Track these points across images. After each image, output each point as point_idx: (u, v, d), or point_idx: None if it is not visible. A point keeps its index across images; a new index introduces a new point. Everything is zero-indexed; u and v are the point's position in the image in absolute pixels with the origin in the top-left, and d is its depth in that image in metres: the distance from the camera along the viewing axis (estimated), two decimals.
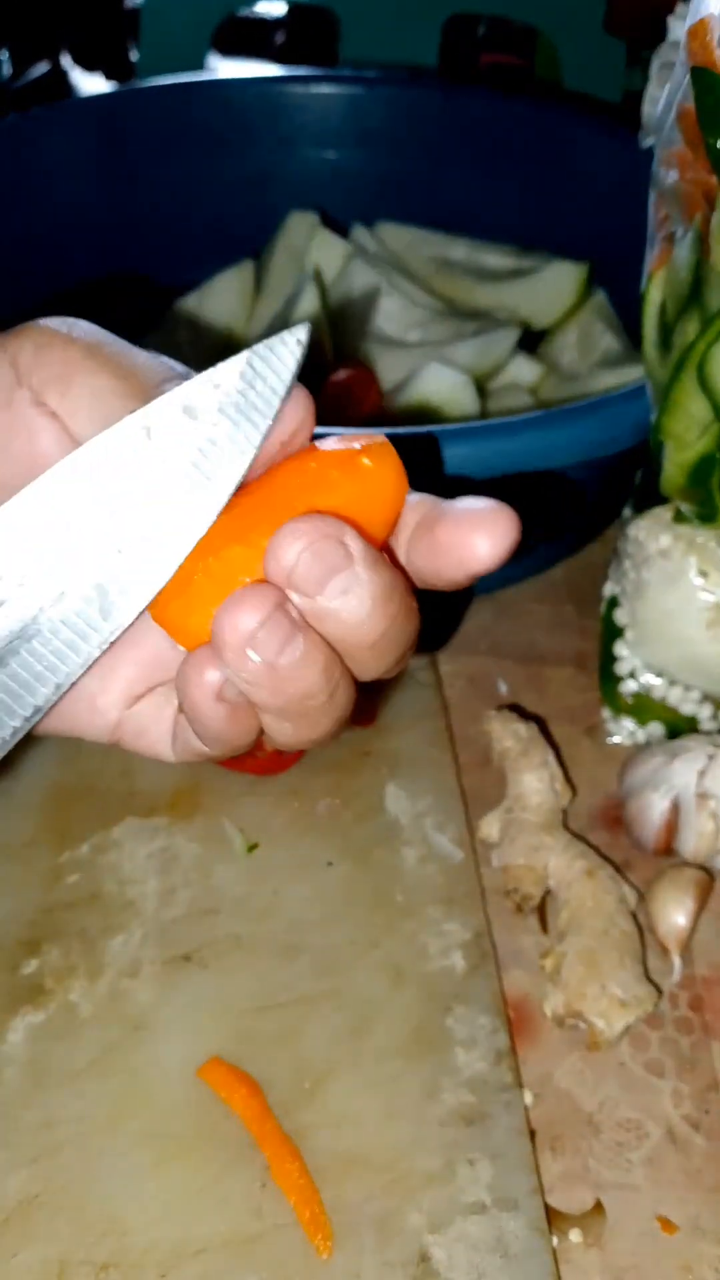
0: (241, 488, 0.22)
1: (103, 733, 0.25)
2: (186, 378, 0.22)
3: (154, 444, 0.21)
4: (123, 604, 0.22)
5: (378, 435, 0.22)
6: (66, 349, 0.23)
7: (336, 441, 0.22)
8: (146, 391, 0.22)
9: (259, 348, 0.22)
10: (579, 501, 0.42)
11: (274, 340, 0.22)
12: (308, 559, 0.20)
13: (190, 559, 0.21)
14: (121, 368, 0.22)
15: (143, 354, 0.23)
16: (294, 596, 0.21)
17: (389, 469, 0.22)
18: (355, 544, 0.21)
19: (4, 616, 0.21)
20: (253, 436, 0.21)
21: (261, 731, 0.23)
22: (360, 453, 0.22)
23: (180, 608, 0.22)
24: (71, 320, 0.24)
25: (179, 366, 0.24)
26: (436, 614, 0.44)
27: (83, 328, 0.23)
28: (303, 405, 0.22)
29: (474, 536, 0.21)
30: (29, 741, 0.23)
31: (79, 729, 0.25)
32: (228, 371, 0.21)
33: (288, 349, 0.21)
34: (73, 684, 0.22)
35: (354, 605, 0.21)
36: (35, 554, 0.21)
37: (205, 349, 0.55)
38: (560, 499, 0.40)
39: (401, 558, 0.23)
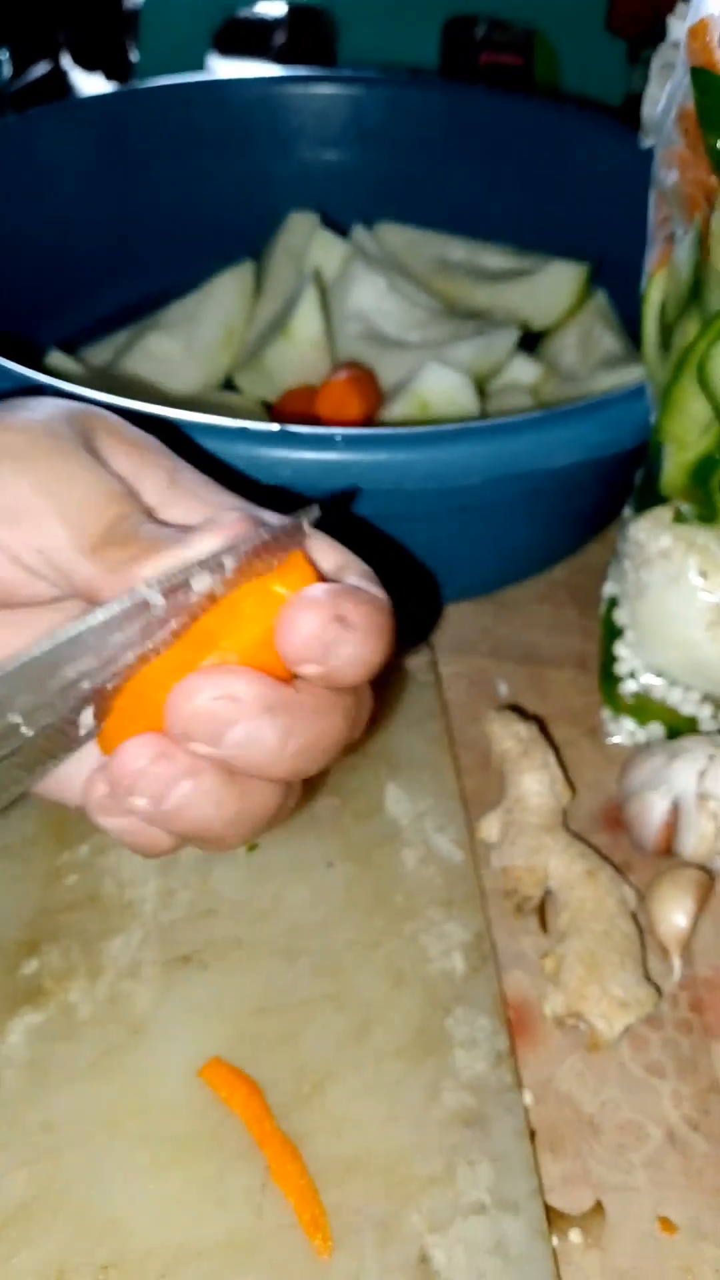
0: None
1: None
2: (140, 517, 0.22)
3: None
4: None
5: (298, 532, 0.23)
6: (14, 486, 0.22)
7: (257, 550, 0.22)
8: (89, 538, 0.22)
9: (268, 538, 0.22)
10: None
11: (283, 526, 0.22)
12: (202, 717, 0.21)
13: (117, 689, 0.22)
14: (66, 510, 0.22)
15: (96, 485, 0.23)
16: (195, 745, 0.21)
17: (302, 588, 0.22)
18: (251, 693, 0.21)
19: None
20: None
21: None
22: (274, 578, 0.22)
23: (103, 733, 0.23)
24: (26, 444, 0.23)
25: (147, 492, 0.24)
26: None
27: (39, 456, 0.23)
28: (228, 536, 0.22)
29: (295, 618, 0.22)
30: None
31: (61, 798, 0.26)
32: (230, 557, 0.22)
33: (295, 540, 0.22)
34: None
35: (256, 750, 0.21)
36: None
37: (204, 350, 0.55)
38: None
39: None
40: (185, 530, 0.23)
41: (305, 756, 0.22)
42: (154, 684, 0.22)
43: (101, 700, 0.22)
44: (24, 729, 0.21)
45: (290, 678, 0.23)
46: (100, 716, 0.22)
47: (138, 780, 0.21)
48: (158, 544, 0.22)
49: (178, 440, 0.33)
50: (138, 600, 0.21)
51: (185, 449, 0.29)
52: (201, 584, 0.22)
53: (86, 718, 0.22)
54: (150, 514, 0.24)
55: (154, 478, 0.24)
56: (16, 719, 0.21)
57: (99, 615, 0.21)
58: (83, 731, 0.22)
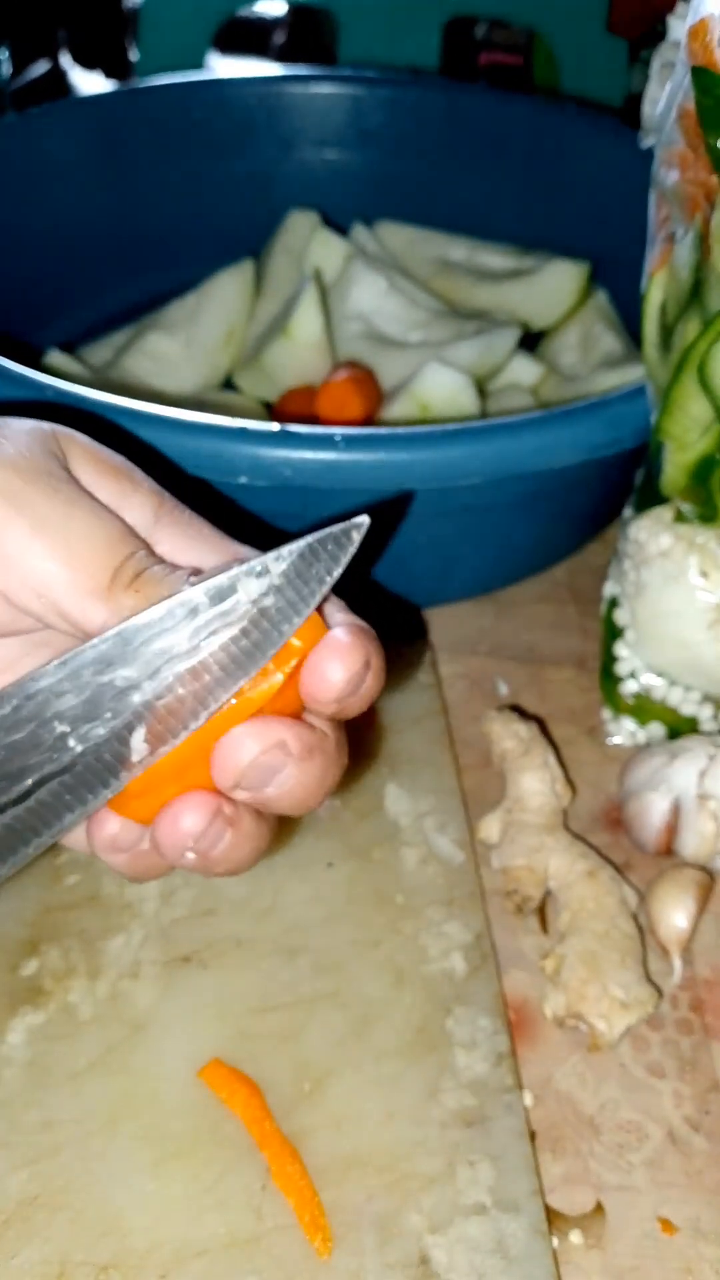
0: None
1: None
2: (144, 555, 0.22)
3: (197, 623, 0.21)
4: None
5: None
6: (7, 530, 0.21)
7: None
8: (97, 583, 0.21)
9: (313, 542, 0.22)
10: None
11: (329, 534, 0.22)
12: (255, 769, 0.22)
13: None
14: (69, 553, 0.21)
15: (93, 521, 0.22)
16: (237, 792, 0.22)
17: (316, 637, 0.22)
18: (297, 742, 0.22)
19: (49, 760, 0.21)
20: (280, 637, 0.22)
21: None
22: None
23: (140, 802, 0.23)
24: (15, 480, 0.22)
25: (136, 523, 0.23)
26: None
27: (29, 493, 0.22)
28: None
29: (327, 666, 0.22)
30: None
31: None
32: (277, 561, 0.21)
33: (342, 548, 0.22)
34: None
35: (299, 792, 0.23)
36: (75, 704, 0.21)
37: (204, 349, 0.55)
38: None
39: None
40: (191, 573, 0.22)
41: (329, 789, 0.23)
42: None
43: (155, 722, 0.21)
44: (72, 741, 0.21)
45: (298, 714, 0.23)
46: (153, 744, 0.21)
47: (193, 840, 0.22)
48: (168, 590, 0.22)
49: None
50: (183, 603, 0.21)
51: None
52: (250, 590, 0.21)
53: (138, 740, 0.21)
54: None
55: (139, 507, 0.24)
56: (64, 728, 0.21)
57: (142, 616, 0.21)
58: (135, 757, 0.21)
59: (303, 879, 0.35)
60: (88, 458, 0.24)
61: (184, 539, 0.24)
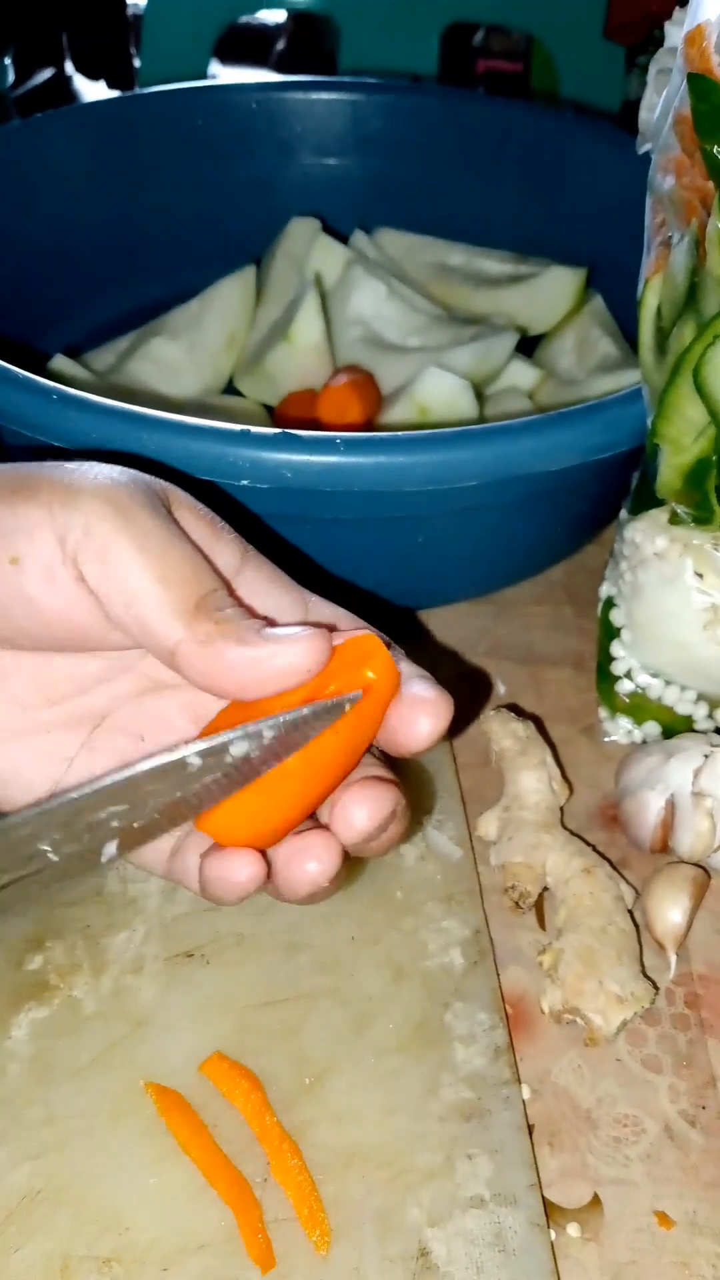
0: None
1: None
2: (225, 594, 0.24)
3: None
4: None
5: (370, 637, 0.25)
6: (114, 539, 0.23)
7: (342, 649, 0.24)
8: (184, 605, 0.23)
9: (308, 712, 0.23)
10: None
11: (324, 705, 0.23)
12: (373, 827, 0.24)
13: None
14: (165, 573, 0.23)
15: (187, 553, 0.24)
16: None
17: (388, 673, 0.24)
18: (400, 804, 0.25)
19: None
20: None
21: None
22: (364, 665, 0.24)
23: (223, 819, 0.24)
24: (127, 500, 0.24)
25: (221, 567, 0.25)
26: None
27: (137, 514, 0.24)
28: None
29: (419, 719, 0.24)
30: None
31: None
32: (271, 728, 0.23)
33: (334, 716, 0.24)
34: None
35: (386, 843, 0.25)
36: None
37: (206, 354, 0.55)
38: None
39: None
40: (268, 625, 0.24)
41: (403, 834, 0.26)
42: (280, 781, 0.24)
43: (127, 836, 0.23)
44: (50, 855, 0.23)
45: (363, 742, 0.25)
46: (124, 850, 0.24)
47: (225, 889, 0.24)
48: (245, 633, 0.23)
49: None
50: (176, 759, 0.23)
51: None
52: (239, 749, 0.23)
53: (110, 849, 0.23)
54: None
55: (227, 554, 0.26)
56: (45, 847, 0.23)
57: (140, 767, 0.23)
58: (104, 859, 0.24)
59: None
60: (185, 506, 0.26)
61: (265, 585, 0.26)
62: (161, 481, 0.26)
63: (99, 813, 0.23)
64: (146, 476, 0.26)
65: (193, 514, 0.26)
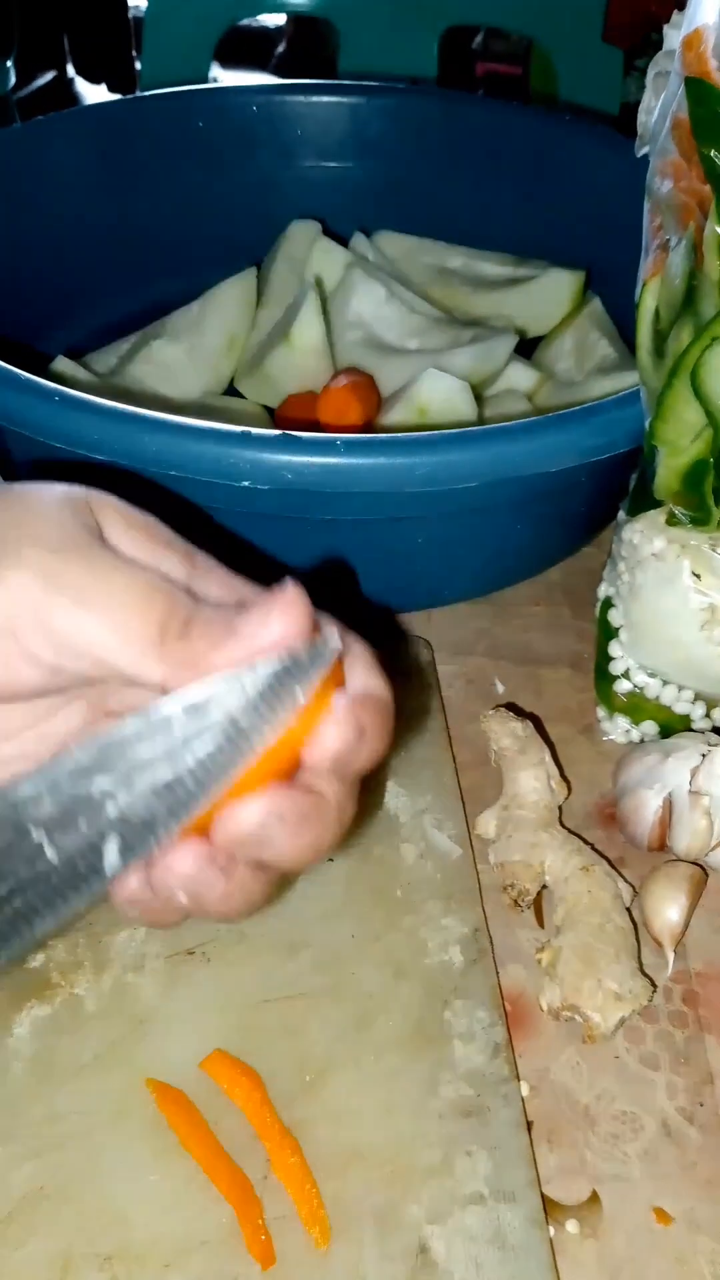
0: None
1: None
2: (183, 602, 0.22)
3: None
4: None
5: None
6: (49, 605, 0.22)
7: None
8: (149, 643, 0.22)
9: (289, 662, 0.22)
10: None
11: (304, 653, 0.23)
12: (251, 838, 0.23)
13: None
14: (115, 619, 0.22)
15: (132, 581, 0.22)
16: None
17: (328, 692, 0.23)
18: (293, 812, 0.23)
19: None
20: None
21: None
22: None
23: None
24: (48, 557, 0.22)
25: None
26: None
27: (66, 564, 0.22)
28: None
29: (324, 730, 0.23)
30: None
31: None
32: (256, 678, 0.22)
33: (315, 666, 0.23)
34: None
35: (293, 854, 0.23)
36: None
37: (207, 356, 0.55)
38: None
39: None
40: (238, 611, 0.23)
41: (325, 851, 0.24)
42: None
43: (126, 831, 0.22)
44: (48, 850, 0.22)
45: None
46: (126, 854, 0.22)
47: (185, 883, 0.23)
48: (219, 635, 0.23)
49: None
50: (160, 717, 0.22)
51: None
52: (222, 706, 0.22)
53: (112, 853, 0.22)
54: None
55: (172, 562, 0.24)
56: (40, 835, 0.21)
57: (123, 729, 0.22)
58: (108, 867, 0.22)
59: (303, 875, 0.35)
60: (120, 520, 0.24)
61: (215, 590, 0.25)
62: (89, 494, 0.24)
63: (89, 784, 0.22)
64: (71, 497, 0.24)
65: (129, 526, 0.24)
